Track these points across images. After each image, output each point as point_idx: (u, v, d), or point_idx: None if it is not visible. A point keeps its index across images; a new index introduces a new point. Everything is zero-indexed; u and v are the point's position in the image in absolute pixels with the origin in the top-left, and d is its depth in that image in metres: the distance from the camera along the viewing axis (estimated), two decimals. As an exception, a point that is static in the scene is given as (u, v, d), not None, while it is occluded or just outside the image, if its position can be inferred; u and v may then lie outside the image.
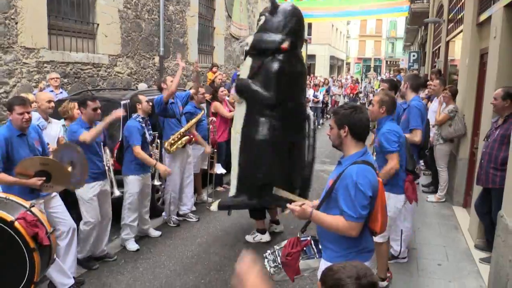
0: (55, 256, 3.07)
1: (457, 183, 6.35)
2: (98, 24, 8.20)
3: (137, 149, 4.65)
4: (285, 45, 4.41)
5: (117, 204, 4.80)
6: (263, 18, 4.75)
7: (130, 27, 9.07)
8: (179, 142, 5.43)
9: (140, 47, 9.46)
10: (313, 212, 2.45)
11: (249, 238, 5.02)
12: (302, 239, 2.73)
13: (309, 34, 31.33)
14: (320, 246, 2.65)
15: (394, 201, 3.81)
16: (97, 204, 4.27)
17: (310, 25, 29.97)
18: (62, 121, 4.85)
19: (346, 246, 2.46)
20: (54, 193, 3.86)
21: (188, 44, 11.53)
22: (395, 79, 7.35)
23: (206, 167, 6.52)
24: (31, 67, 6.63)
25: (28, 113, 3.50)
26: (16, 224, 2.62)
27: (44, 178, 3.44)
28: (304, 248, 2.70)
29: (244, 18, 15.06)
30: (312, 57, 33.62)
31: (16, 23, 6.32)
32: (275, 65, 4.48)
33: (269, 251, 2.97)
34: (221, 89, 6.92)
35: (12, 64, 6.29)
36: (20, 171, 3.40)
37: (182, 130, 5.43)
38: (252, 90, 4.54)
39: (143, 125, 4.80)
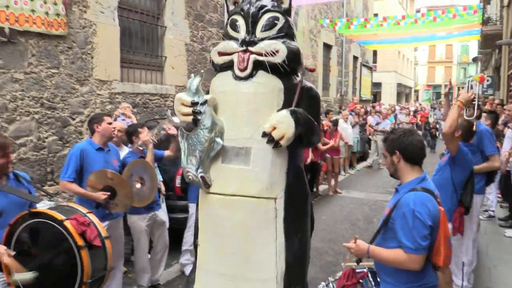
0: (113, 264, 3.12)
1: (539, 217, 5.78)
2: (166, 57, 8.65)
3: None
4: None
5: (177, 230, 4.90)
6: None
7: (196, 59, 9.47)
8: None
9: (205, 78, 9.80)
10: (370, 248, 2.34)
11: None
12: (358, 270, 2.61)
13: (375, 61, 30.80)
14: (378, 279, 2.51)
15: None
16: (146, 235, 4.32)
17: (375, 52, 29.49)
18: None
19: (406, 281, 2.30)
20: (119, 216, 4.00)
21: (251, 74, 11.78)
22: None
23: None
24: (104, 98, 7.10)
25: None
26: (66, 222, 2.76)
27: (109, 193, 3.59)
28: (361, 280, 2.57)
29: (307, 48, 15.18)
30: (378, 85, 32.94)
31: (92, 58, 6.83)
32: None
33: (323, 283, 2.86)
34: None
35: (87, 95, 6.77)
36: (90, 184, 3.60)
37: None
38: None
39: None
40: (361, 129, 12.85)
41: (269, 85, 2.84)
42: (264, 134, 2.73)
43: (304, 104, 2.90)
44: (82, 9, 6.55)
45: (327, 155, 9.31)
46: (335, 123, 9.45)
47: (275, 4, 2.97)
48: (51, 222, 2.78)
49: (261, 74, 2.83)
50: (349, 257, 2.50)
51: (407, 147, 2.33)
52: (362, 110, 13.82)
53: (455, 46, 51.21)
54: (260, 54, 2.79)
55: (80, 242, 2.73)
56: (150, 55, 8.38)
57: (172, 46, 8.76)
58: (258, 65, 2.81)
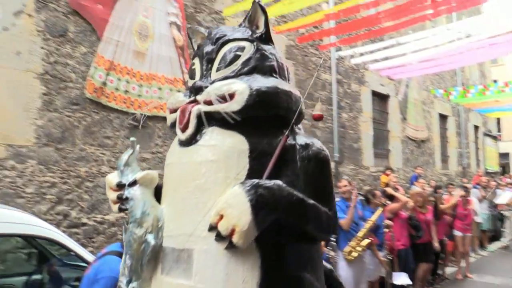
0: None
1: None
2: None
3: None
4: None
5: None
6: None
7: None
8: (359, 248, 5.21)
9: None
10: None
11: None
12: None
13: (499, 130, 28.30)
14: None
15: None
16: None
17: (499, 120, 27.22)
18: None
19: None
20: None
21: (363, 148, 11.56)
22: None
23: (383, 275, 5.99)
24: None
25: None
26: None
27: None
28: None
29: (420, 119, 14.60)
30: (505, 155, 29.84)
31: (209, 138, 7.35)
32: None
33: None
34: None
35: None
36: None
37: (360, 234, 5.23)
38: None
39: None
40: (491, 205, 11.55)
41: (222, 147, 1.75)
42: (211, 228, 1.65)
43: (295, 171, 1.77)
44: (202, 94, 7.21)
45: (457, 233, 8.38)
46: (467, 190, 8.66)
47: (244, 31, 1.99)
48: None
49: (211, 132, 1.79)
50: None
51: None
52: (493, 183, 12.50)
53: None
54: (209, 103, 1.79)
55: None
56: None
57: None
58: (211, 120, 1.80)
